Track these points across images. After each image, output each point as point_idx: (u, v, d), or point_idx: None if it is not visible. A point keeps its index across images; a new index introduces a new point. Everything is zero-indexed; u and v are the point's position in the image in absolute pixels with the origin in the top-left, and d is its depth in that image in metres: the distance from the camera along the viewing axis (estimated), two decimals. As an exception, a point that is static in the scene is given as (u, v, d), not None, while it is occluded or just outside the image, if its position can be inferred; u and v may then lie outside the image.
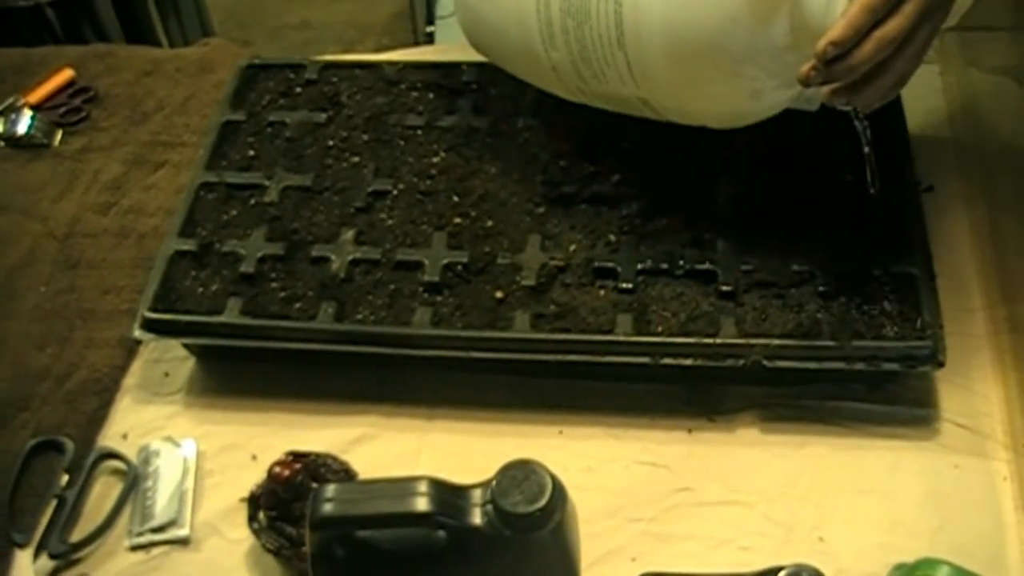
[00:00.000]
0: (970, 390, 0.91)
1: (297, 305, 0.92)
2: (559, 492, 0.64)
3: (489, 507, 0.64)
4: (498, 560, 0.65)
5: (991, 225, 0.99)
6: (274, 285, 0.93)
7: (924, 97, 1.10)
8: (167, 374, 0.98)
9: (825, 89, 0.78)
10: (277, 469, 0.82)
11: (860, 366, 0.85)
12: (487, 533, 0.64)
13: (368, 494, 0.65)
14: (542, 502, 0.63)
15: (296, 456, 0.84)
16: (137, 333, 0.92)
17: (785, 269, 0.90)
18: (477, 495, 0.65)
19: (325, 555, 0.66)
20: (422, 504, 0.63)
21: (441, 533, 0.65)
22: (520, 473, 0.64)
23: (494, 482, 0.64)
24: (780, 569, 0.66)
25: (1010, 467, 0.86)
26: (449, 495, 0.64)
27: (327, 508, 0.64)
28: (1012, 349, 0.92)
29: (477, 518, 0.64)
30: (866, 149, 0.87)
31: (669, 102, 0.89)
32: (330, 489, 0.64)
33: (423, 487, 0.64)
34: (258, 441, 0.92)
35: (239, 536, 0.86)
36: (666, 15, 0.81)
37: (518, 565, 0.65)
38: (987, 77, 1.07)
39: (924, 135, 1.06)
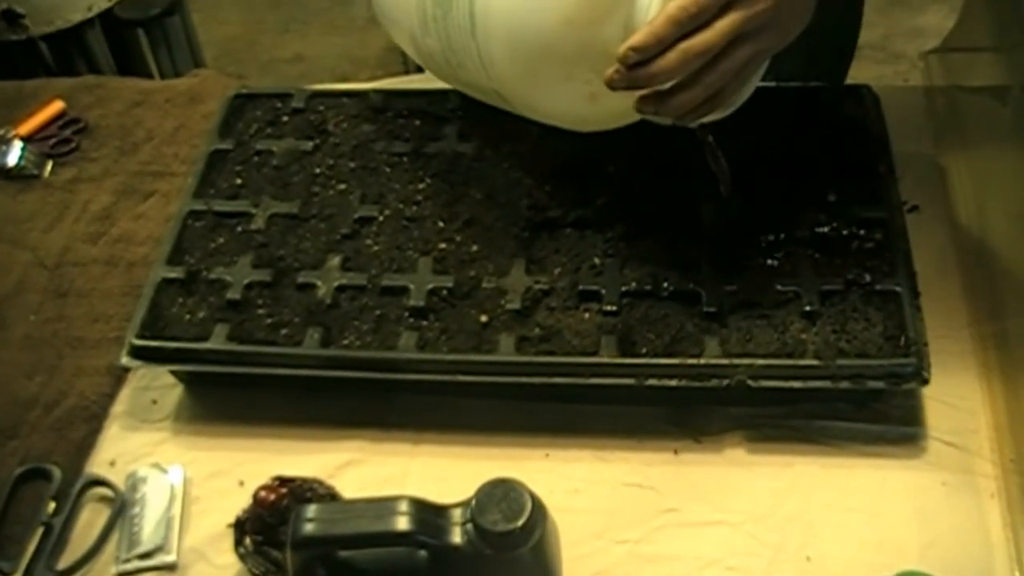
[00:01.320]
0: (957, 408, 0.91)
1: (284, 331, 0.92)
2: (538, 510, 0.64)
3: (469, 526, 0.64)
4: (478, 579, 0.65)
5: (976, 244, 0.99)
6: (261, 311, 0.94)
7: (909, 117, 1.10)
8: (155, 401, 0.98)
9: (635, 96, 0.80)
10: (263, 494, 0.82)
11: (845, 385, 0.85)
12: (467, 552, 0.64)
13: (349, 514, 0.65)
14: (521, 520, 0.63)
15: (282, 481, 0.84)
16: (125, 360, 0.93)
17: (769, 289, 0.90)
18: (457, 514, 0.65)
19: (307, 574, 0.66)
20: (402, 523, 0.63)
21: (422, 552, 0.65)
22: (499, 491, 0.64)
23: (473, 501, 0.64)
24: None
25: (997, 484, 0.86)
26: (429, 514, 0.64)
27: (308, 528, 0.64)
28: (998, 366, 0.92)
29: (457, 537, 0.64)
30: (717, 171, 0.90)
31: (515, 97, 0.90)
32: (311, 509, 0.65)
33: (403, 506, 0.64)
34: (245, 467, 0.91)
35: (226, 562, 0.86)
36: (508, 10, 0.82)
37: (499, 584, 0.65)
38: (971, 97, 1.08)
39: (909, 155, 1.06)
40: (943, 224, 1.03)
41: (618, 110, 0.86)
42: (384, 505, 0.64)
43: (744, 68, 0.79)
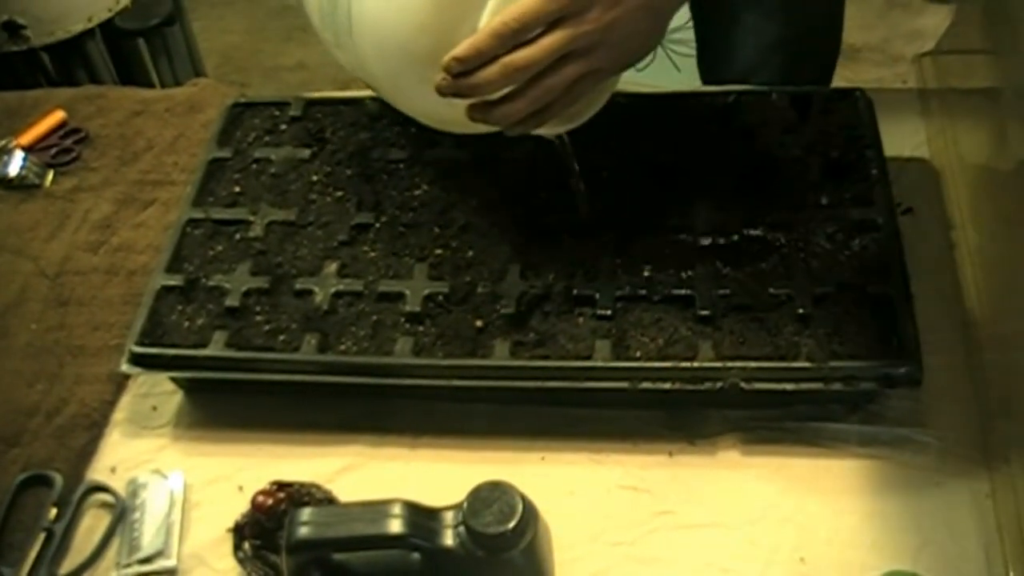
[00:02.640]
0: (950, 409, 0.91)
1: (281, 337, 0.93)
2: (529, 512, 0.65)
3: (461, 528, 0.65)
4: (472, 581, 0.66)
5: (970, 246, 1.00)
6: (259, 318, 0.95)
7: (903, 120, 1.11)
8: (155, 408, 0.99)
9: (465, 102, 0.82)
10: (261, 498, 0.83)
11: (838, 387, 0.86)
12: (460, 554, 0.64)
13: (343, 517, 0.65)
14: (513, 522, 0.64)
15: (280, 486, 0.85)
16: (125, 367, 0.94)
17: (762, 293, 0.91)
18: (449, 517, 0.66)
19: (302, 579, 0.67)
20: (396, 526, 0.64)
21: (415, 555, 0.66)
22: (491, 494, 0.65)
23: (465, 504, 0.65)
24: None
25: (991, 485, 0.87)
26: (422, 517, 0.65)
27: (303, 531, 0.65)
28: (991, 368, 0.92)
29: (450, 539, 0.65)
30: (571, 177, 0.92)
31: (386, 95, 0.93)
32: (306, 513, 0.65)
33: (397, 510, 0.65)
34: (244, 473, 0.92)
35: (225, 566, 0.87)
36: (374, 14, 0.84)
37: (492, 586, 0.66)
38: (964, 99, 1.08)
39: (903, 157, 1.07)
40: (937, 226, 1.03)
41: None
42: (378, 508, 0.65)
43: (575, 85, 0.81)
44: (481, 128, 0.85)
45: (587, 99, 0.86)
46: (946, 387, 0.92)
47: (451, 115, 0.85)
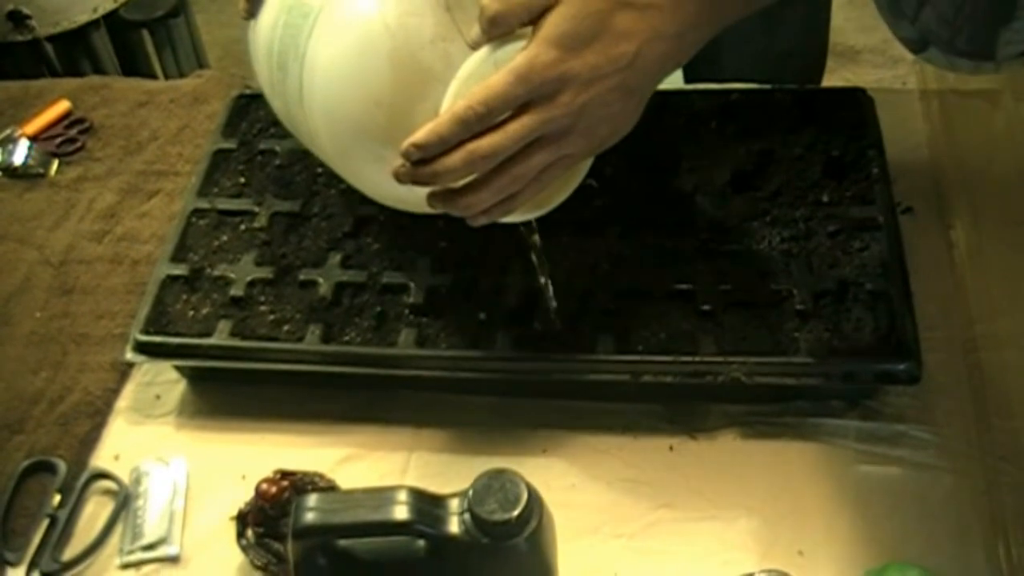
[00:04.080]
0: (948, 407, 0.92)
1: (285, 327, 0.94)
2: (534, 500, 0.66)
3: (466, 515, 0.65)
4: (476, 568, 0.66)
5: (969, 245, 1.01)
6: (263, 308, 0.95)
7: (904, 121, 1.12)
8: (159, 396, 0.99)
9: (426, 190, 0.77)
10: (264, 486, 0.84)
11: (837, 383, 0.87)
12: (464, 541, 0.65)
13: (349, 503, 0.66)
14: (517, 510, 0.64)
15: (284, 474, 0.85)
16: (129, 355, 0.94)
17: (763, 289, 0.91)
18: (454, 504, 0.66)
19: (307, 564, 0.67)
20: (401, 513, 0.64)
21: (420, 542, 0.67)
22: (496, 482, 0.66)
23: (470, 491, 0.65)
24: (752, 576, 0.67)
25: (987, 481, 0.87)
26: (427, 504, 0.66)
27: (309, 517, 0.65)
28: (988, 366, 0.93)
29: (455, 527, 0.66)
30: (539, 273, 0.89)
31: (339, 171, 0.88)
32: (312, 499, 0.66)
33: (402, 496, 0.65)
34: (247, 461, 0.93)
35: (228, 554, 0.88)
36: (326, 86, 0.80)
37: (496, 573, 0.66)
38: (964, 101, 1.09)
39: (904, 158, 1.08)
40: (937, 226, 1.04)
41: None
42: (384, 495, 0.65)
43: (543, 173, 0.76)
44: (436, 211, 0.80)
45: (556, 185, 0.81)
46: (944, 384, 0.93)
47: (408, 196, 0.81)
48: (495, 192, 0.75)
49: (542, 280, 0.89)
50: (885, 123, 1.04)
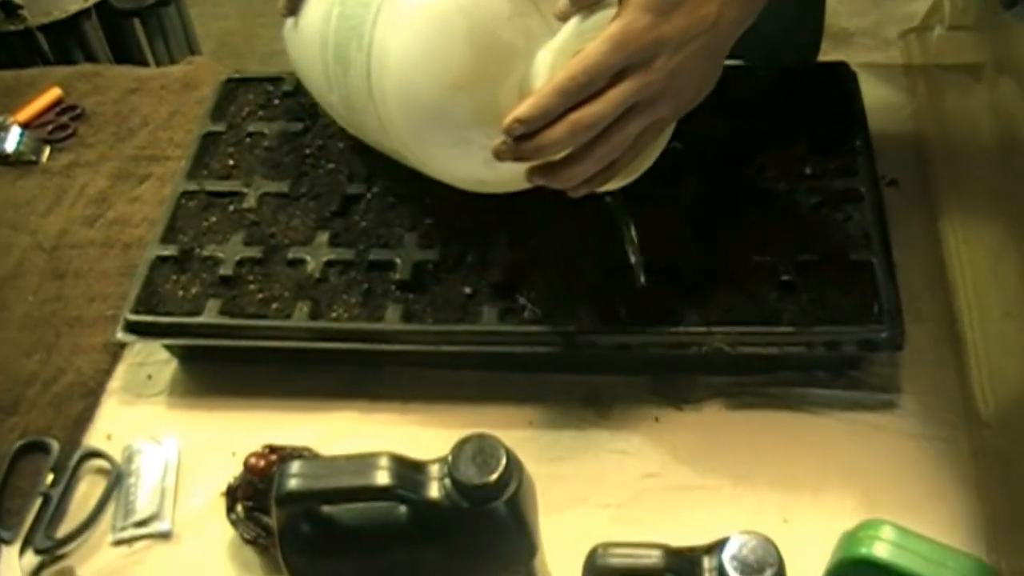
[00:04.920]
0: (933, 376, 0.92)
1: (274, 305, 0.94)
2: (513, 464, 0.66)
3: (446, 480, 0.66)
4: (457, 533, 0.67)
5: (954, 216, 1.01)
6: (252, 287, 0.96)
7: (889, 95, 1.12)
8: (150, 377, 1.00)
9: (525, 166, 0.77)
10: (253, 460, 0.85)
11: (821, 351, 0.87)
12: (445, 506, 0.66)
13: (331, 470, 0.67)
14: (497, 473, 0.65)
15: (272, 449, 0.86)
16: (120, 335, 0.95)
17: (747, 261, 0.92)
18: (435, 470, 0.67)
19: (291, 531, 0.68)
20: (383, 478, 0.65)
21: (402, 508, 0.67)
22: (475, 447, 0.66)
23: (450, 456, 0.66)
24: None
25: (972, 447, 0.88)
26: (408, 470, 0.67)
27: (292, 483, 0.66)
28: (974, 334, 0.94)
29: (435, 491, 0.66)
30: (627, 240, 0.88)
31: (413, 158, 0.88)
32: (295, 465, 0.67)
33: (384, 462, 0.66)
34: (238, 439, 0.93)
35: (219, 529, 0.88)
36: (400, 74, 0.80)
37: (476, 537, 0.67)
38: (948, 75, 1.09)
39: (889, 132, 1.08)
40: (921, 198, 1.04)
41: (515, 176, 0.83)
42: (365, 461, 0.66)
43: (638, 139, 0.77)
44: (522, 186, 0.81)
45: (646, 151, 0.82)
46: (929, 354, 0.93)
47: (491, 177, 0.82)
48: (596, 161, 0.76)
49: (629, 249, 0.89)
50: (870, 98, 1.04)
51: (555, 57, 0.75)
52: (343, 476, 0.66)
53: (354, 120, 0.91)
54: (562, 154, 0.75)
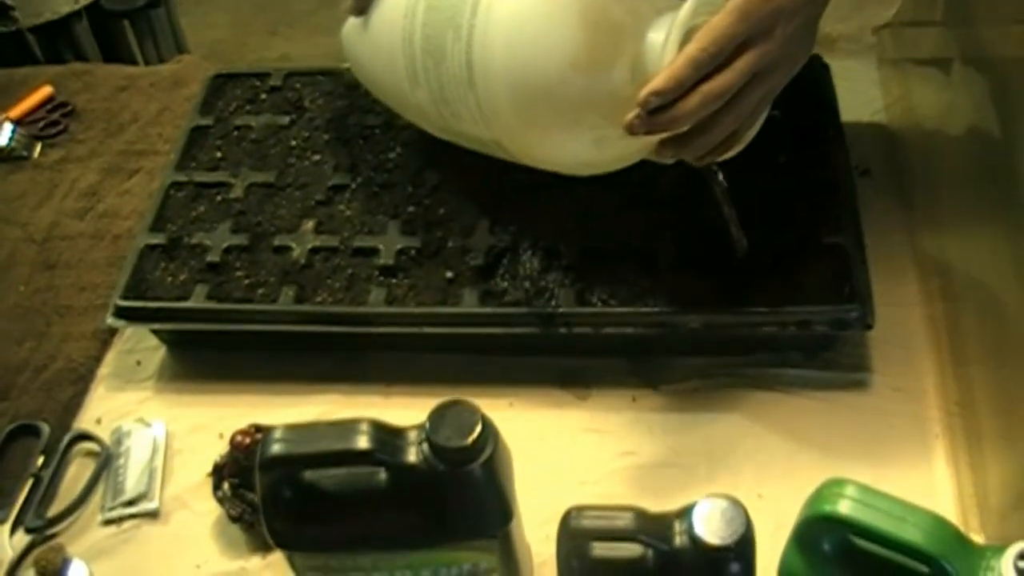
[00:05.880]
0: (904, 357, 0.95)
1: (260, 291, 0.96)
2: (489, 428, 0.68)
3: (424, 444, 0.68)
4: (435, 497, 0.69)
5: (925, 204, 1.04)
6: (239, 273, 0.98)
7: (862, 89, 1.15)
8: (139, 363, 1.02)
9: (653, 141, 0.79)
10: (239, 438, 0.87)
11: (793, 331, 0.89)
12: (423, 469, 0.67)
13: (313, 435, 0.68)
14: (473, 436, 0.67)
15: (258, 428, 0.88)
16: (109, 320, 0.97)
17: (721, 245, 0.94)
18: (413, 435, 0.69)
19: (273, 497, 0.70)
20: (362, 442, 0.67)
21: (382, 474, 0.69)
22: (451, 411, 0.68)
23: (428, 421, 0.68)
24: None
25: (942, 426, 0.90)
26: (387, 435, 0.68)
27: (274, 449, 0.68)
28: (944, 317, 0.96)
29: (413, 456, 0.68)
30: (726, 210, 0.89)
31: (517, 146, 0.89)
32: (277, 431, 0.68)
33: (364, 427, 0.68)
34: (224, 422, 0.95)
35: (206, 509, 0.91)
36: (508, 59, 0.82)
37: (454, 500, 0.69)
38: (919, 69, 1.12)
39: (861, 124, 1.11)
40: (893, 187, 1.07)
41: (623, 153, 0.87)
42: (346, 426, 0.68)
43: (756, 108, 0.79)
44: (622, 166, 0.84)
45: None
46: (900, 336, 0.96)
47: (597, 158, 0.84)
48: (723, 130, 0.78)
49: (729, 218, 0.90)
50: (844, 92, 1.07)
51: (679, 32, 0.77)
52: (324, 441, 0.68)
53: (444, 113, 0.91)
54: (689, 126, 0.77)
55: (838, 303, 0.89)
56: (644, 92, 0.74)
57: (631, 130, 0.76)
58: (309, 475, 0.70)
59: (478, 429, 0.67)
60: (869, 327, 0.89)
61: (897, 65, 1.15)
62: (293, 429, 0.69)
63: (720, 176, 0.88)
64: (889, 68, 1.17)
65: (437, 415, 0.68)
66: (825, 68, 1.07)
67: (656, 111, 0.75)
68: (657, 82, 0.74)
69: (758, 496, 0.87)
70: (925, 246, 1.01)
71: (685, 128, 0.77)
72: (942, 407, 0.92)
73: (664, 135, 0.78)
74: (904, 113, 1.12)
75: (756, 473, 0.89)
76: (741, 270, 0.92)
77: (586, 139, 0.85)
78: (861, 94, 1.14)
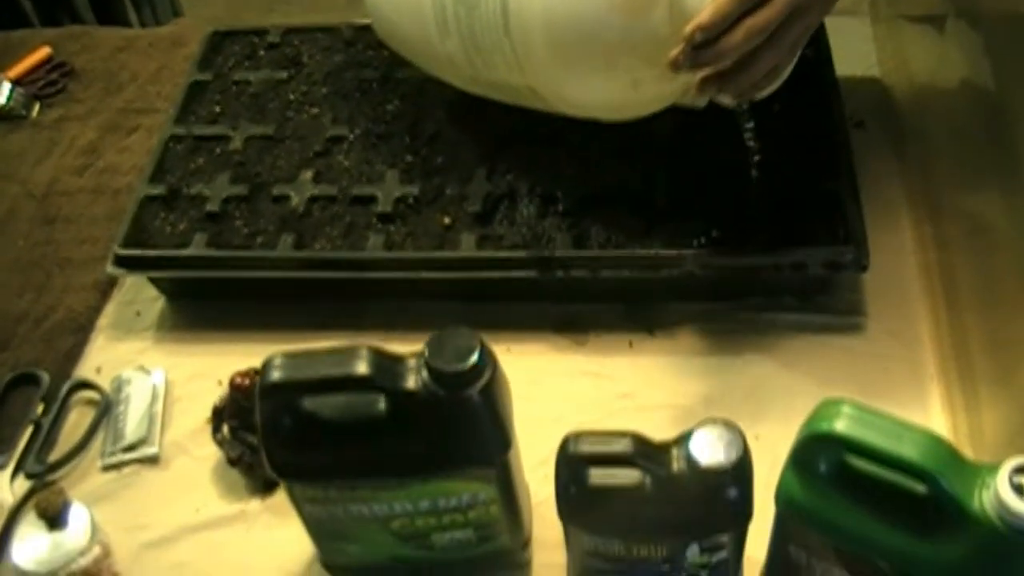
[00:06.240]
0: (899, 302, 0.96)
1: (259, 239, 0.97)
2: (487, 353, 0.69)
3: (423, 371, 0.68)
4: (434, 423, 0.69)
5: (918, 155, 1.04)
6: (238, 222, 0.99)
7: (856, 45, 1.16)
8: (139, 313, 1.03)
9: (696, 77, 0.80)
10: (238, 380, 0.87)
11: (788, 272, 0.90)
12: (422, 395, 0.68)
13: (312, 362, 0.69)
14: (471, 360, 0.67)
15: (257, 371, 0.88)
16: (110, 269, 0.98)
17: (718, 191, 0.95)
18: (412, 361, 0.69)
19: (274, 425, 0.70)
20: (361, 368, 0.67)
21: (381, 401, 0.70)
22: (450, 336, 0.69)
23: (426, 347, 0.68)
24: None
25: (936, 368, 0.91)
26: (387, 360, 0.69)
27: (275, 375, 0.68)
28: (938, 263, 0.97)
29: (412, 382, 0.68)
30: (748, 140, 0.90)
31: (553, 91, 0.90)
32: (278, 358, 0.69)
33: (363, 353, 0.68)
34: (224, 369, 0.94)
35: (205, 454, 0.91)
36: (546, 3, 0.83)
37: (452, 426, 0.69)
38: (912, 26, 1.13)
39: (856, 79, 1.12)
40: (887, 139, 1.08)
41: (658, 95, 0.88)
42: (345, 353, 0.68)
43: (794, 44, 0.80)
44: (655, 109, 0.85)
45: None
46: (895, 282, 0.97)
47: (632, 100, 0.84)
48: (763, 66, 0.79)
49: (755, 160, 0.91)
50: (839, 47, 1.07)
51: None
52: (323, 367, 0.68)
53: (476, 62, 0.92)
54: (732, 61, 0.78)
55: (832, 243, 0.90)
56: (690, 27, 0.76)
57: (675, 66, 0.77)
58: (309, 403, 0.70)
59: (476, 353, 0.68)
60: (864, 268, 0.90)
61: (891, 21, 1.16)
62: (293, 356, 0.69)
63: (751, 122, 0.89)
64: (883, 24, 1.17)
65: (436, 340, 0.68)
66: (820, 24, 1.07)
67: (700, 47, 0.76)
68: (703, 17, 0.75)
69: (755, 437, 0.86)
70: (919, 196, 1.02)
71: (728, 63, 0.78)
72: (937, 351, 0.92)
73: (705, 72, 0.79)
74: (898, 67, 1.12)
75: (753, 414, 0.89)
76: (737, 215, 0.93)
77: (623, 81, 0.86)
78: (855, 49, 1.15)
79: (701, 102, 0.90)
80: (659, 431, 0.87)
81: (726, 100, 0.85)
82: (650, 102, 0.89)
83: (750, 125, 0.89)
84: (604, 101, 0.90)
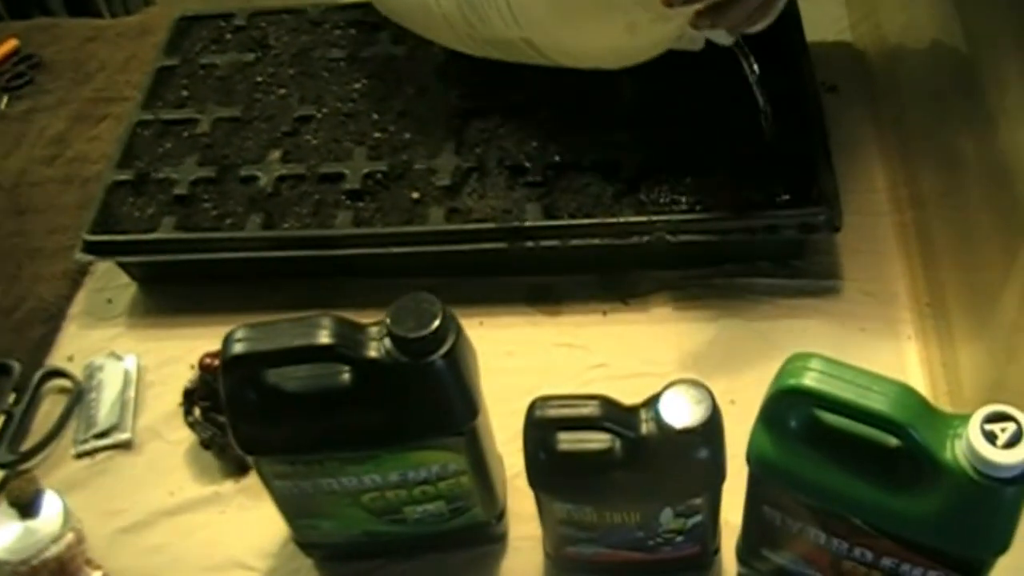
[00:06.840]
0: (874, 262, 0.95)
1: (228, 220, 0.96)
2: (449, 318, 0.68)
3: (386, 339, 0.67)
4: (398, 391, 0.68)
5: (891, 117, 1.04)
6: (206, 204, 0.98)
7: (828, 9, 1.15)
8: (110, 300, 1.02)
9: (690, 11, 0.80)
10: (208, 360, 0.86)
11: (761, 236, 0.89)
12: (386, 363, 0.67)
13: (275, 332, 0.68)
14: (433, 326, 0.66)
15: (226, 351, 0.88)
16: (78, 256, 0.97)
17: (686, 156, 0.94)
18: (375, 330, 0.68)
19: (238, 399, 0.69)
20: (324, 337, 0.66)
21: (345, 373, 0.69)
22: (412, 304, 0.68)
23: (389, 315, 0.67)
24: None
25: (914, 327, 0.90)
26: (349, 330, 0.68)
27: (237, 348, 0.67)
28: (914, 223, 0.96)
29: (375, 351, 0.68)
30: (752, 77, 0.89)
31: (550, 41, 0.91)
32: (239, 331, 0.68)
33: (325, 322, 0.67)
34: (196, 353, 0.93)
35: (179, 438, 0.90)
36: None
37: (417, 395, 0.68)
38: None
39: (827, 42, 1.11)
40: (860, 102, 1.07)
41: (653, 40, 0.88)
42: (307, 322, 0.67)
43: None
44: (651, 55, 0.86)
45: None
46: (870, 243, 0.96)
47: (627, 46, 0.85)
48: None
49: (757, 90, 0.91)
50: (810, 11, 1.07)
51: None
52: (286, 337, 0.67)
53: (471, 19, 0.92)
54: None
55: (805, 205, 0.89)
56: None
57: (669, 3, 0.78)
58: (272, 376, 0.69)
59: (439, 319, 0.67)
60: (836, 229, 0.89)
61: (862, -14, 1.16)
62: (254, 328, 0.69)
63: (752, 59, 0.89)
64: (854, -11, 1.17)
65: (398, 308, 0.68)
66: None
67: None
68: None
69: (731, 402, 0.86)
70: (893, 157, 1.02)
71: None
72: (913, 308, 0.92)
73: (699, 5, 0.79)
74: (870, 31, 1.12)
75: (728, 380, 0.88)
76: (707, 180, 0.92)
77: (619, 25, 0.86)
78: (827, 13, 1.15)
79: (698, 44, 0.90)
80: (634, 399, 0.87)
81: (721, 38, 0.85)
82: (647, 47, 0.89)
83: (751, 62, 0.89)
84: (601, 48, 0.90)
